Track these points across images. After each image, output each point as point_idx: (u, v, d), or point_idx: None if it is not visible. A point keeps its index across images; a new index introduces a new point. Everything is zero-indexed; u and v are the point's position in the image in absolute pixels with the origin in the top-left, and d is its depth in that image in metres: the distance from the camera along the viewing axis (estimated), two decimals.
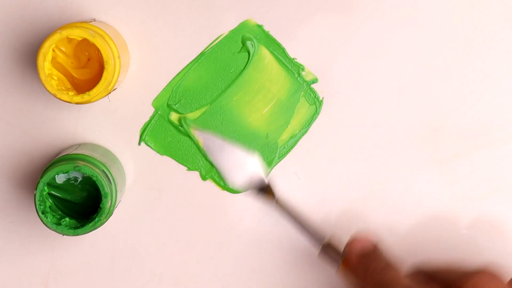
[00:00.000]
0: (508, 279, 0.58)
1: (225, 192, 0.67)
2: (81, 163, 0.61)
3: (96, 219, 0.61)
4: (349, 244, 0.63)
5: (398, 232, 0.67)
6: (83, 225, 0.61)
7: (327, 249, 0.64)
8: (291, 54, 0.67)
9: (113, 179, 0.62)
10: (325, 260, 0.65)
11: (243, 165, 0.66)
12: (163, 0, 0.66)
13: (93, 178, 0.61)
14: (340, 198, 0.67)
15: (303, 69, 0.67)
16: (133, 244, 0.67)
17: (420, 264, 0.63)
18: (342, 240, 0.65)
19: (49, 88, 0.61)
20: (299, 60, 0.67)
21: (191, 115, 0.67)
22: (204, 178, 0.67)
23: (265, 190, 0.65)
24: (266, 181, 0.66)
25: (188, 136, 0.67)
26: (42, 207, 0.61)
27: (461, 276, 0.58)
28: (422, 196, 0.67)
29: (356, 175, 0.67)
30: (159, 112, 0.67)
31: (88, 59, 0.63)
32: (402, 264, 0.64)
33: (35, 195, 0.61)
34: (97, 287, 0.67)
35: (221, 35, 0.66)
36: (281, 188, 0.67)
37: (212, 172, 0.67)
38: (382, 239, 0.66)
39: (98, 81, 0.61)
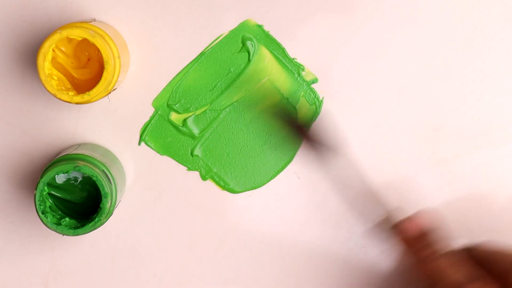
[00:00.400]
0: None
1: (225, 192, 0.67)
2: (81, 163, 0.61)
3: (96, 219, 0.61)
4: (399, 225, 0.64)
5: None
6: (83, 225, 0.61)
7: (385, 221, 0.65)
8: (291, 54, 0.67)
9: (113, 179, 0.62)
10: (378, 231, 0.66)
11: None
12: (163, 0, 0.66)
13: (93, 178, 0.61)
14: (340, 198, 0.67)
15: (303, 69, 0.67)
16: (133, 244, 0.67)
17: (471, 246, 0.62)
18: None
19: (49, 88, 0.61)
20: (299, 60, 0.67)
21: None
22: (204, 178, 0.67)
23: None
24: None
25: (189, 136, 0.67)
26: (42, 207, 0.61)
27: None
28: (422, 196, 0.67)
29: (356, 175, 0.67)
30: (159, 112, 0.67)
31: (88, 59, 0.63)
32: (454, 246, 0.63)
33: (35, 195, 0.61)
34: (97, 287, 0.67)
35: (221, 35, 0.66)
36: (281, 188, 0.67)
37: (212, 172, 0.67)
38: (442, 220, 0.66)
39: (98, 81, 0.61)
